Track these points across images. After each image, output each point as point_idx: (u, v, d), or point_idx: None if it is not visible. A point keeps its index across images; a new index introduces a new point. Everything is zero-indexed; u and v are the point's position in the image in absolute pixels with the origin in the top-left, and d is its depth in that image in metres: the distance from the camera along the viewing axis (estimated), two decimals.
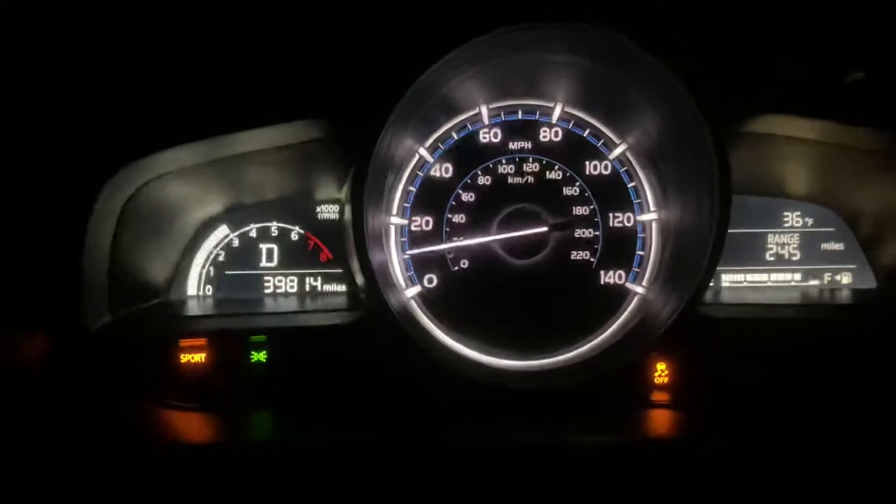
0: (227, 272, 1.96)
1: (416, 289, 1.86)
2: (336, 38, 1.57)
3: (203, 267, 1.95)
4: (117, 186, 1.58)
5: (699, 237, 1.65)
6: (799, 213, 1.98)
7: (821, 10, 1.56)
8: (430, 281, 1.87)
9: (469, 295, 1.87)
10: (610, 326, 1.86)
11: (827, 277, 2.00)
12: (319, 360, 1.66)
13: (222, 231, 1.96)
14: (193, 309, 1.85)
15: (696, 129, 1.58)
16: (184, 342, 1.65)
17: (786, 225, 1.99)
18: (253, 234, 1.97)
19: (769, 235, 1.99)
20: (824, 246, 1.99)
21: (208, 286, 1.96)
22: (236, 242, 1.96)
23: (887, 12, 1.54)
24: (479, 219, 1.87)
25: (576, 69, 1.74)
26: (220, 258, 1.96)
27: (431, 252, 1.86)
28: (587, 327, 1.86)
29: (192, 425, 1.60)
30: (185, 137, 1.58)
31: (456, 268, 1.87)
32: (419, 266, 1.88)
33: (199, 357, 1.65)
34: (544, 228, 1.84)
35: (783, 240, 1.99)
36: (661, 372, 1.68)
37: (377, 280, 1.60)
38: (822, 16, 1.56)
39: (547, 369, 1.78)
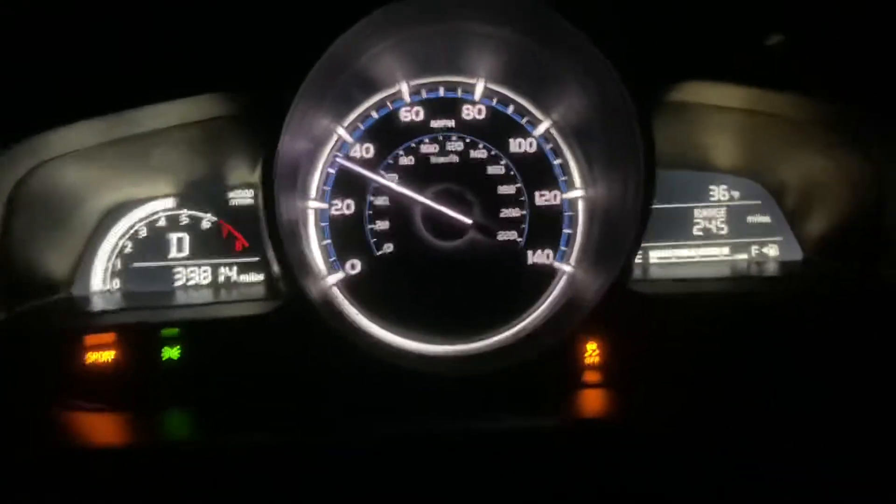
0: (134, 264, 1.85)
1: (339, 275, 1.79)
2: (243, 8, 1.49)
3: (109, 259, 1.83)
4: (4, 168, 1.47)
5: (625, 213, 1.63)
6: (725, 186, 1.98)
7: None
8: (353, 267, 1.80)
9: (394, 280, 1.81)
10: (539, 307, 1.82)
11: (755, 250, 2.00)
12: (237, 353, 1.58)
13: (128, 220, 1.84)
14: (99, 304, 1.74)
15: (620, 100, 1.54)
16: (89, 339, 1.55)
17: (712, 199, 1.98)
18: (161, 222, 1.86)
19: (696, 210, 1.98)
20: (751, 219, 1.99)
21: (115, 280, 1.84)
22: (144, 232, 1.85)
23: None
24: (402, 201, 1.80)
25: (497, 42, 1.70)
26: (127, 249, 1.84)
27: (362, 175, 1.79)
28: (516, 308, 1.82)
29: (101, 427, 1.51)
30: (79, 113, 1.47)
31: (380, 252, 1.80)
32: (341, 251, 1.80)
33: (107, 355, 1.56)
34: (469, 221, 1.78)
35: (710, 214, 1.98)
36: (591, 352, 1.66)
37: (294, 268, 1.53)
38: None
39: (476, 353, 1.74)
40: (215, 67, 1.52)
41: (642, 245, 1.62)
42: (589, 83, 1.64)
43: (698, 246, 1.99)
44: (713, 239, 1.99)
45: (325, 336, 1.54)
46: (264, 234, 1.54)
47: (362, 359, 1.55)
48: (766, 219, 1.99)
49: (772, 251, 2.00)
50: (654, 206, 1.58)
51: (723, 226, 1.99)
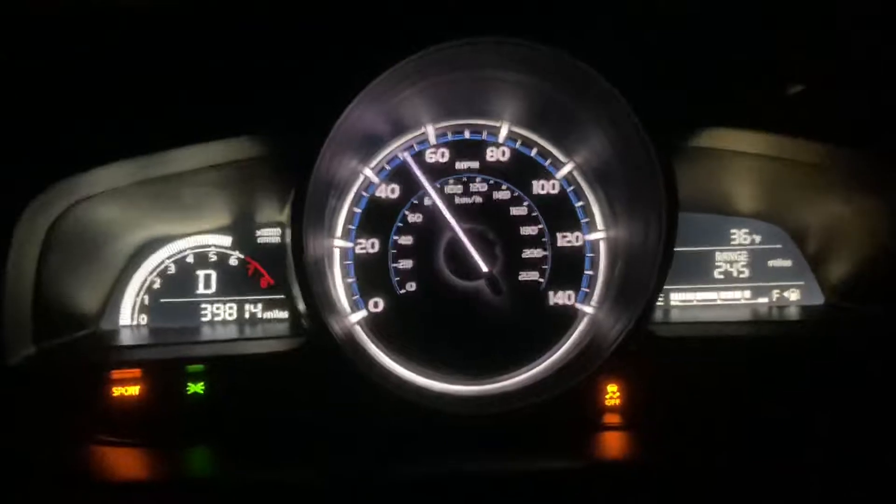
0: (162, 300, 1.88)
1: (362, 313, 1.81)
2: (275, 54, 1.53)
3: (137, 295, 1.86)
4: (41, 208, 1.50)
5: (647, 256, 1.64)
6: (746, 230, 1.99)
7: (760, 24, 1.57)
8: (376, 305, 1.82)
9: (416, 318, 1.82)
10: (560, 348, 1.83)
11: (776, 294, 2.00)
12: (260, 389, 1.60)
13: (157, 257, 1.87)
14: (126, 339, 1.76)
15: (642, 145, 1.57)
16: (116, 374, 1.57)
17: (733, 242, 1.99)
18: (190, 259, 1.89)
19: (717, 253, 1.99)
20: (772, 263, 2.00)
21: (143, 315, 1.87)
22: (172, 269, 1.88)
23: (827, 25, 1.56)
24: (425, 240, 1.83)
25: (521, 88, 1.73)
26: (156, 286, 1.87)
27: (393, 207, 1.84)
28: (537, 349, 1.83)
29: (126, 462, 1.53)
30: (113, 155, 1.50)
31: (402, 291, 1.82)
32: (365, 290, 1.82)
33: (133, 389, 1.58)
34: (485, 270, 1.80)
35: (731, 257, 1.99)
36: (611, 394, 1.66)
37: (319, 306, 1.55)
38: (762, 29, 1.58)
39: (497, 394, 1.74)
40: (247, 111, 1.55)
41: (663, 287, 1.63)
42: (611, 129, 1.66)
43: (719, 289, 1.99)
44: (734, 282, 2.00)
45: (348, 374, 1.55)
46: (290, 271, 1.57)
47: (383, 397, 1.56)
48: (787, 263, 2.00)
49: (793, 295, 2.00)
50: (676, 249, 1.58)
51: (744, 269, 1.99)
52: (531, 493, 1.44)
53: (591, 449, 1.59)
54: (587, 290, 1.86)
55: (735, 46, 1.60)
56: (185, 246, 1.89)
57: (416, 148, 1.85)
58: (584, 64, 1.53)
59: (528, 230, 1.85)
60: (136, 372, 1.58)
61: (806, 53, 1.62)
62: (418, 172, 1.82)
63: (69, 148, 1.49)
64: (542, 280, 1.85)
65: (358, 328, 1.81)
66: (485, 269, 1.80)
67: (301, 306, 1.58)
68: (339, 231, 1.82)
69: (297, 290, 1.56)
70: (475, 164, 1.86)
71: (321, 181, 1.59)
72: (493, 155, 1.87)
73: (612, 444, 1.63)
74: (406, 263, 1.83)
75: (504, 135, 1.86)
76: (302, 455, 1.52)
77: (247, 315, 1.91)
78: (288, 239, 1.56)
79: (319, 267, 1.71)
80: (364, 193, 1.84)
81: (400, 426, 1.55)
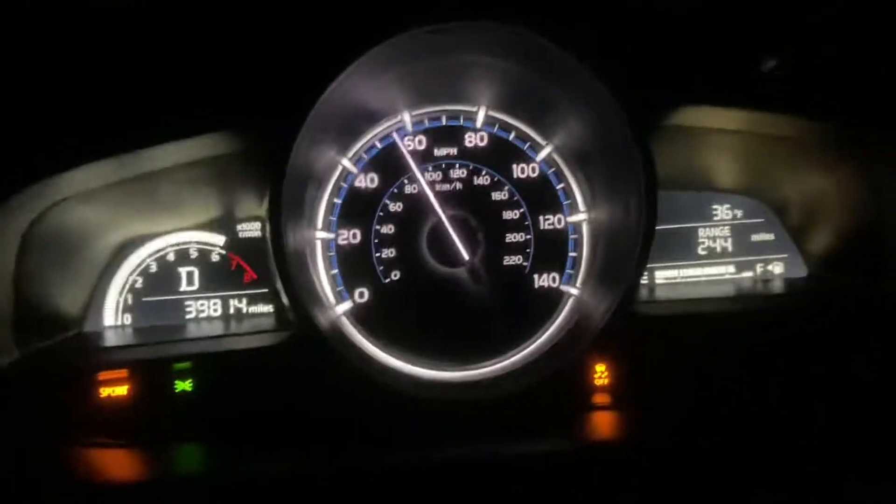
0: (145, 299, 1.86)
1: (347, 304, 1.80)
2: (246, 46, 1.52)
3: (120, 295, 1.85)
4: (16, 210, 1.49)
5: (629, 235, 1.64)
6: (728, 205, 1.99)
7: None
8: (361, 295, 1.82)
9: (402, 307, 1.82)
10: (546, 330, 1.83)
11: (759, 268, 2.01)
12: (249, 384, 1.59)
13: (139, 256, 1.86)
14: (111, 340, 1.75)
15: (619, 125, 1.57)
16: (103, 375, 1.56)
17: (716, 218, 2.00)
18: (171, 257, 1.87)
19: (700, 230, 1.99)
20: (755, 237, 2.00)
21: (126, 315, 1.85)
22: (154, 267, 1.87)
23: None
24: (407, 229, 1.82)
25: (497, 72, 1.72)
26: (138, 284, 1.86)
27: (370, 201, 1.83)
28: (523, 332, 1.83)
29: (116, 463, 1.51)
30: (89, 155, 1.49)
31: (387, 280, 1.82)
32: (349, 280, 1.82)
33: (121, 390, 1.57)
34: (466, 258, 1.80)
35: (714, 233, 1.99)
36: (600, 374, 1.66)
37: (303, 299, 1.55)
38: (737, 6, 1.57)
39: (485, 378, 1.74)
40: (221, 106, 1.55)
41: (648, 266, 1.63)
42: (588, 110, 1.66)
43: (704, 265, 2.00)
44: (718, 258, 2.00)
45: (335, 365, 1.55)
46: (272, 265, 1.56)
47: (372, 387, 1.56)
48: (770, 236, 2.00)
49: (777, 268, 2.00)
50: (658, 227, 1.59)
51: (727, 244, 2.00)
52: (522, 476, 1.44)
53: (581, 429, 1.59)
54: (571, 272, 1.86)
55: (711, 24, 1.59)
56: (165, 243, 1.87)
57: (395, 135, 1.84)
58: (560, 46, 1.53)
59: (509, 214, 1.85)
60: (123, 373, 1.57)
61: (781, 29, 1.61)
62: (408, 156, 1.81)
63: (44, 149, 1.48)
64: (526, 264, 1.85)
65: (344, 319, 1.81)
66: (466, 256, 1.80)
67: (285, 300, 1.58)
68: (319, 223, 1.82)
69: (279, 284, 1.56)
70: (454, 151, 1.85)
71: (298, 172, 1.58)
72: (471, 140, 1.86)
73: (602, 423, 1.63)
74: (389, 252, 1.82)
75: (481, 119, 1.85)
76: (293, 447, 1.51)
77: (231, 310, 1.90)
78: (268, 232, 1.55)
79: (301, 259, 1.71)
80: (343, 184, 1.83)
81: (389, 414, 1.54)
